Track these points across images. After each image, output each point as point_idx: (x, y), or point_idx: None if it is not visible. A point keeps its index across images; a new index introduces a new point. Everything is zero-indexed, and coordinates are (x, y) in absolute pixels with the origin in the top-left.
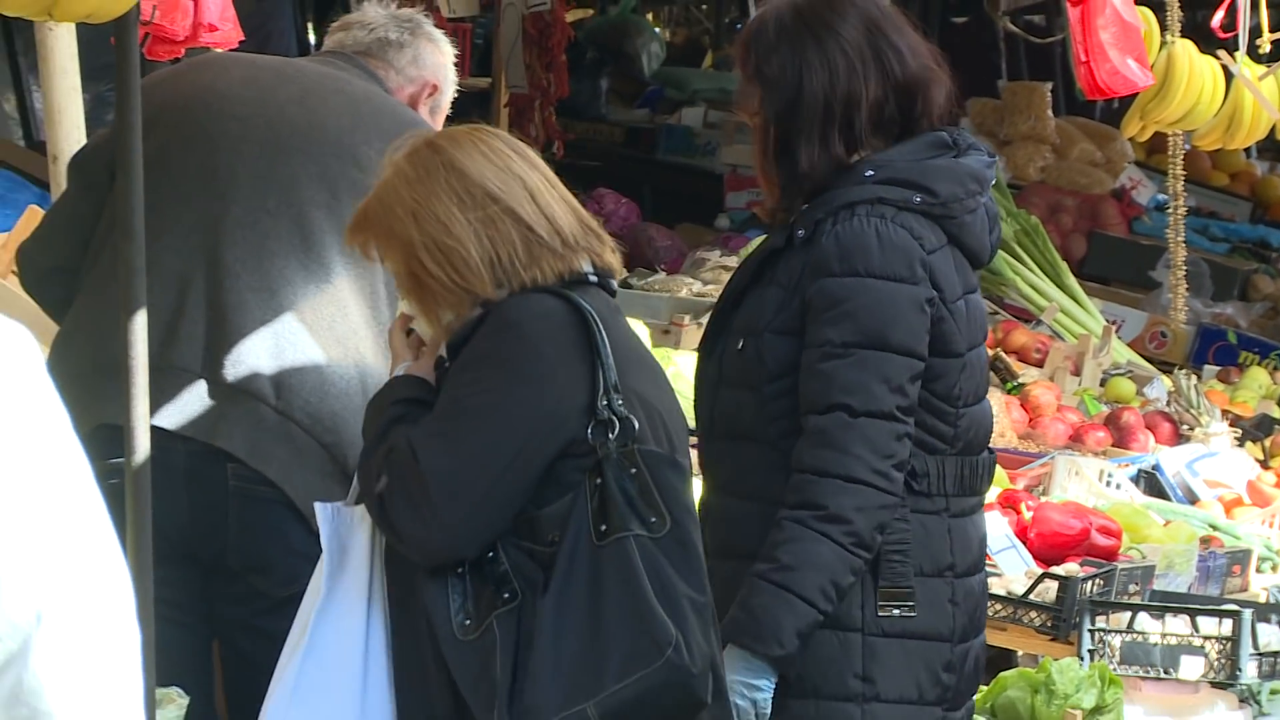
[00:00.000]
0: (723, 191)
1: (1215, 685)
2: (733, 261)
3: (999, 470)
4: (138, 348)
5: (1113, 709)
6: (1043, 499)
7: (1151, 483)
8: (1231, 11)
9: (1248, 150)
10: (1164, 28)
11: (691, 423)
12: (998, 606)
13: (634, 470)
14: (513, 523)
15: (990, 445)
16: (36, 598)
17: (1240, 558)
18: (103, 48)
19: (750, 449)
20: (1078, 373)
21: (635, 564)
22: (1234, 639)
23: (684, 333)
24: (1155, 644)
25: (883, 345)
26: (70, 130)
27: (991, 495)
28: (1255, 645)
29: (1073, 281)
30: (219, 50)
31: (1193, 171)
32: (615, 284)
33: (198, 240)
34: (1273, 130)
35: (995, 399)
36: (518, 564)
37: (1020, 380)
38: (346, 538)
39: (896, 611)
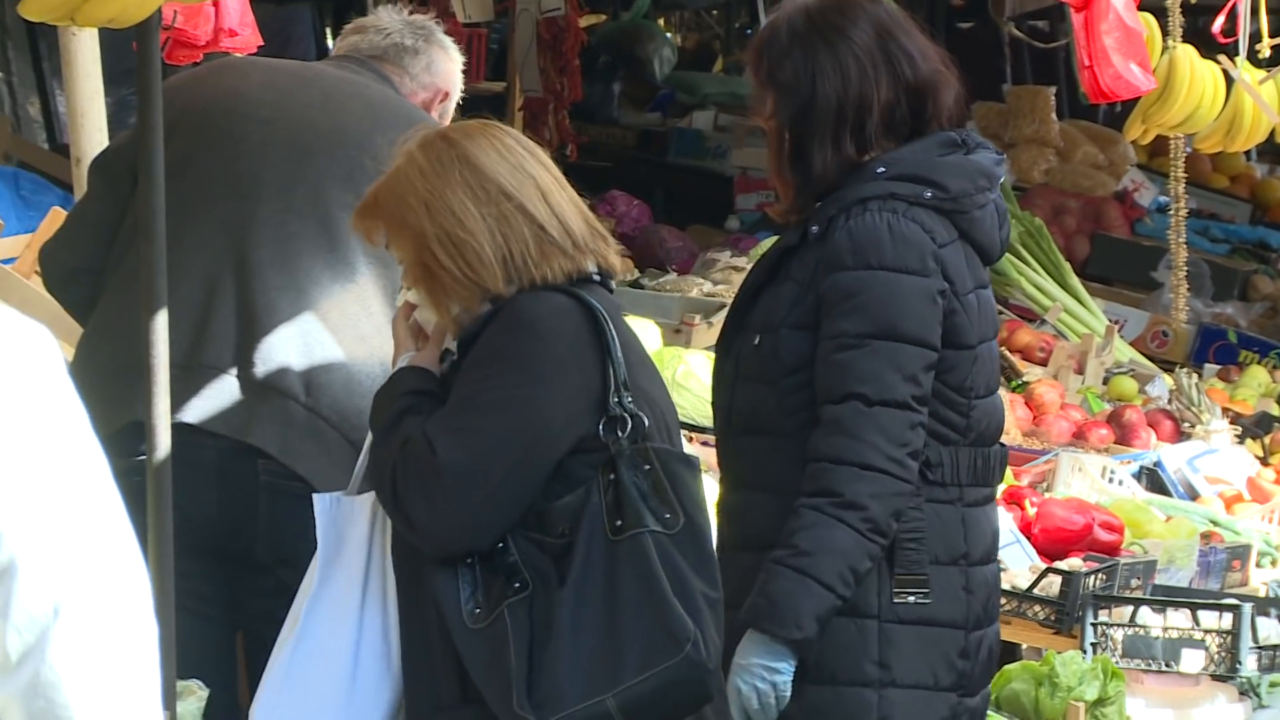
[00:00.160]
0: (732, 193)
1: (1216, 678)
2: (742, 262)
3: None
4: (159, 346)
5: (1115, 701)
6: (1046, 495)
7: (1153, 479)
8: (1232, 17)
9: (1248, 153)
10: (1166, 33)
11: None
12: (1002, 600)
13: (647, 467)
14: (521, 515)
15: (1000, 438)
16: (54, 592)
17: (1240, 553)
18: (125, 52)
19: (769, 443)
20: (1081, 371)
21: (652, 560)
22: (1234, 633)
23: (694, 332)
24: (1157, 637)
25: (896, 336)
26: (93, 133)
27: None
28: (1255, 639)
29: (1076, 282)
30: (237, 55)
31: (1194, 174)
32: (614, 284)
33: (225, 241)
34: (1272, 133)
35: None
36: (527, 555)
37: (1024, 379)
38: (345, 528)
39: (911, 598)
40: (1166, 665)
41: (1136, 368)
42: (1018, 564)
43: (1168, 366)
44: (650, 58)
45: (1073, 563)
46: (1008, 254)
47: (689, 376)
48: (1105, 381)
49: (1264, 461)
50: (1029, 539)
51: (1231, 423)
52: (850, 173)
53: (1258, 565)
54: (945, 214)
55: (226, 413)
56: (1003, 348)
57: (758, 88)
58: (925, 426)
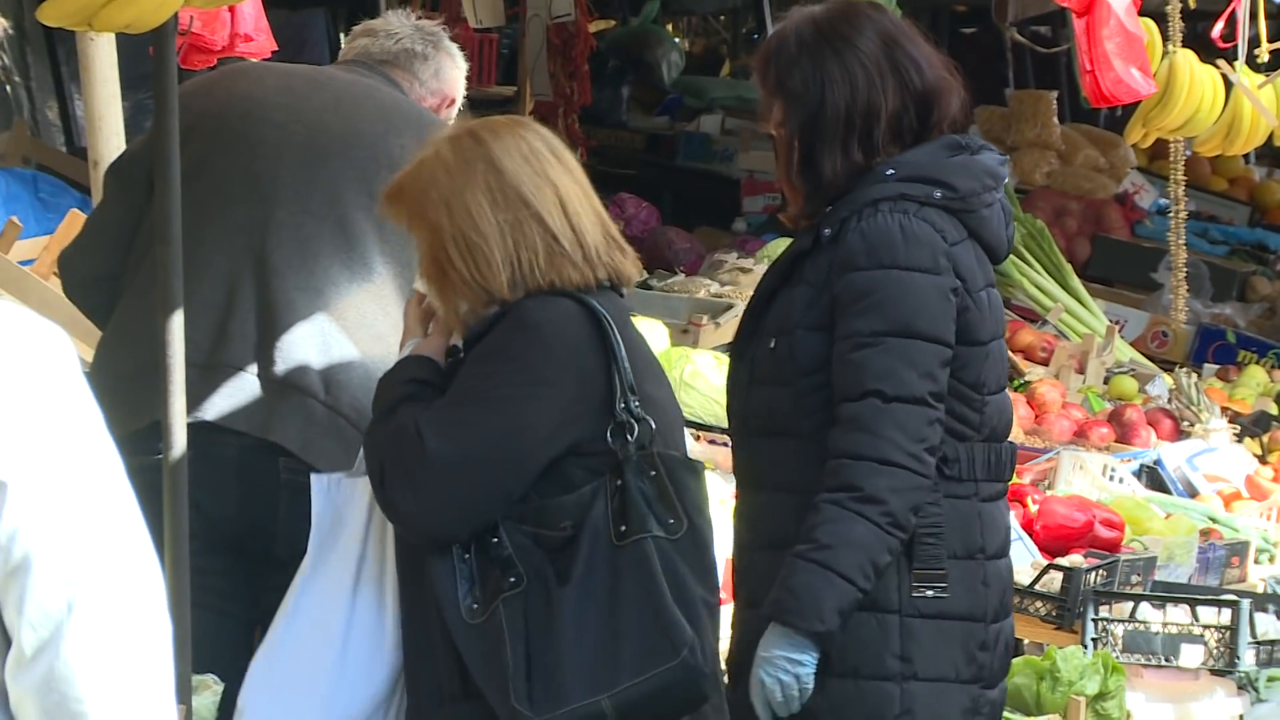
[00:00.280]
0: (739, 196)
1: (1214, 673)
2: (749, 263)
3: None
4: (174, 346)
5: (1115, 695)
6: (1048, 493)
7: (1153, 477)
8: (1231, 22)
9: (1246, 156)
10: (1166, 38)
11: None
12: None
13: (653, 473)
14: (518, 509)
15: (1009, 434)
16: (68, 588)
17: (1239, 549)
18: (141, 57)
19: (787, 444)
20: (1082, 371)
21: (654, 565)
22: (1232, 628)
23: (702, 332)
24: (1156, 633)
25: (911, 333)
26: (110, 136)
27: None
28: (1253, 634)
29: (1077, 283)
30: (251, 60)
31: (1193, 177)
32: (625, 291)
33: (243, 243)
34: (1271, 137)
35: None
36: (522, 549)
37: (1026, 378)
38: (343, 509)
39: (930, 592)
40: (1166, 660)
41: (1137, 367)
42: (1020, 560)
43: (1167, 366)
44: (659, 62)
45: (1074, 559)
46: (1010, 255)
47: (696, 376)
48: (1106, 381)
49: (1262, 460)
50: (1031, 536)
51: (1230, 421)
52: (859, 176)
53: (1256, 562)
54: (954, 213)
55: (247, 411)
56: None
57: (766, 96)
58: (942, 422)
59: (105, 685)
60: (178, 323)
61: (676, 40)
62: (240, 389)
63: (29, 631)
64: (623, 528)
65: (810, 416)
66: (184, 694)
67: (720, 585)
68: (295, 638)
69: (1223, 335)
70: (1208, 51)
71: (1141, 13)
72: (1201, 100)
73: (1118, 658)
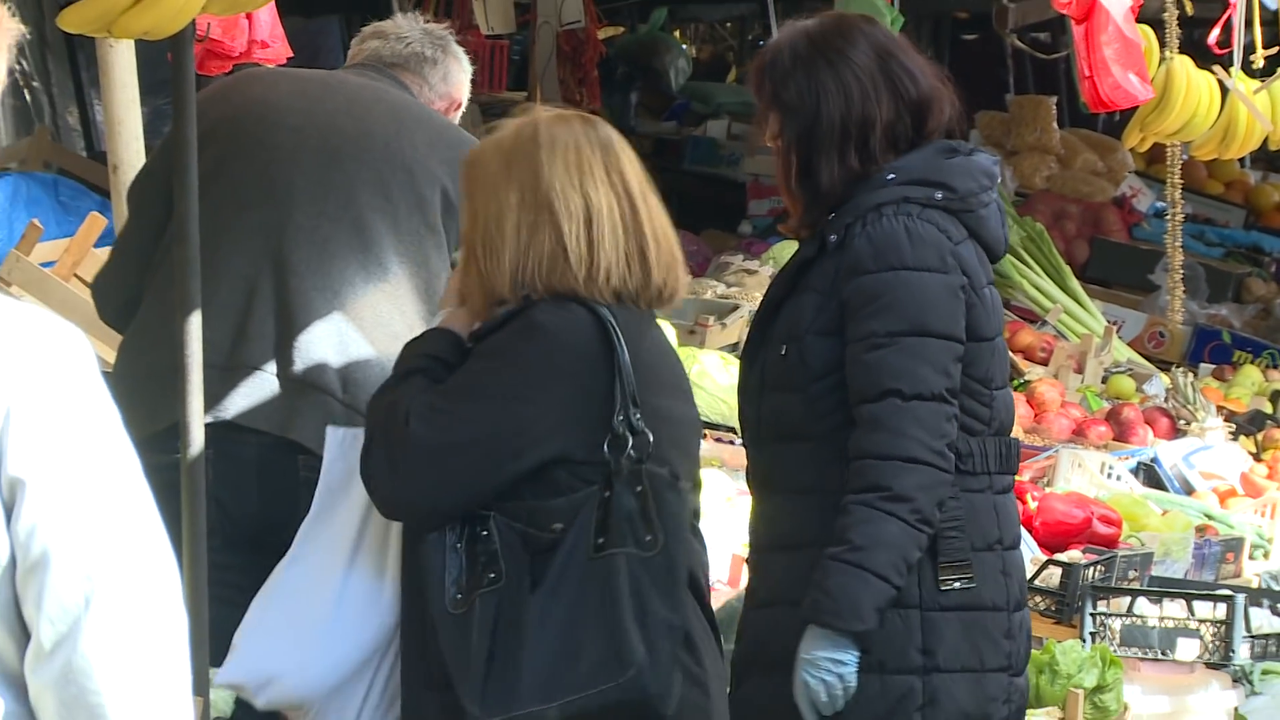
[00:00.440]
0: (745, 199)
1: (1210, 666)
2: (755, 265)
3: None
4: (192, 346)
5: (1113, 688)
6: (1047, 490)
7: (1150, 474)
8: (1227, 29)
9: (1242, 160)
10: (1163, 44)
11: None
12: None
13: (639, 489)
14: (511, 507)
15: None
16: (85, 583)
17: (1234, 545)
18: (160, 63)
19: (801, 447)
20: (1080, 370)
21: (620, 581)
22: (1228, 622)
23: (709, 333)
24: (1153, 627)
25: (924, 331)
26: (129, 141)
27: None
28: (1248, 628)
29: (1076, 284)
30: (265, 65)
31: (1190, 180)
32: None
33: (261, 245)
34: (1265, 141)
35: None
36: (509, 546)
37: (1026, 378)
38: (355, 465)
39: (958, 584)
40: (1162, 654)
41: (1134, 367)
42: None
43: (1164, 366)
44: (666, 69)
45: (1072, 555)
46: (1010, 257)
47: (703, 375)
48: (1104, 380)
49: (1257, 457)
50: (1030, 532)
51: (1226, 420)
52: (857, 184)
53: (1250, 557)
54: (955, 214)
55: (267, 410)
56: None
57: (762, 109)
58: (957, 418)
59: (122, 678)
60: (195, 323)
61: (684, 47)
62: (260, 388)
63: (47, 626)
64: (600, 540)
65: (823, 420)
66: (201, 687)
67: (719, 581)
68: (294, 583)
69: (1218, 335)
70: (1204, 58)
71: (1139, 20)
72: (1198, 105)
73: (1115, 651)
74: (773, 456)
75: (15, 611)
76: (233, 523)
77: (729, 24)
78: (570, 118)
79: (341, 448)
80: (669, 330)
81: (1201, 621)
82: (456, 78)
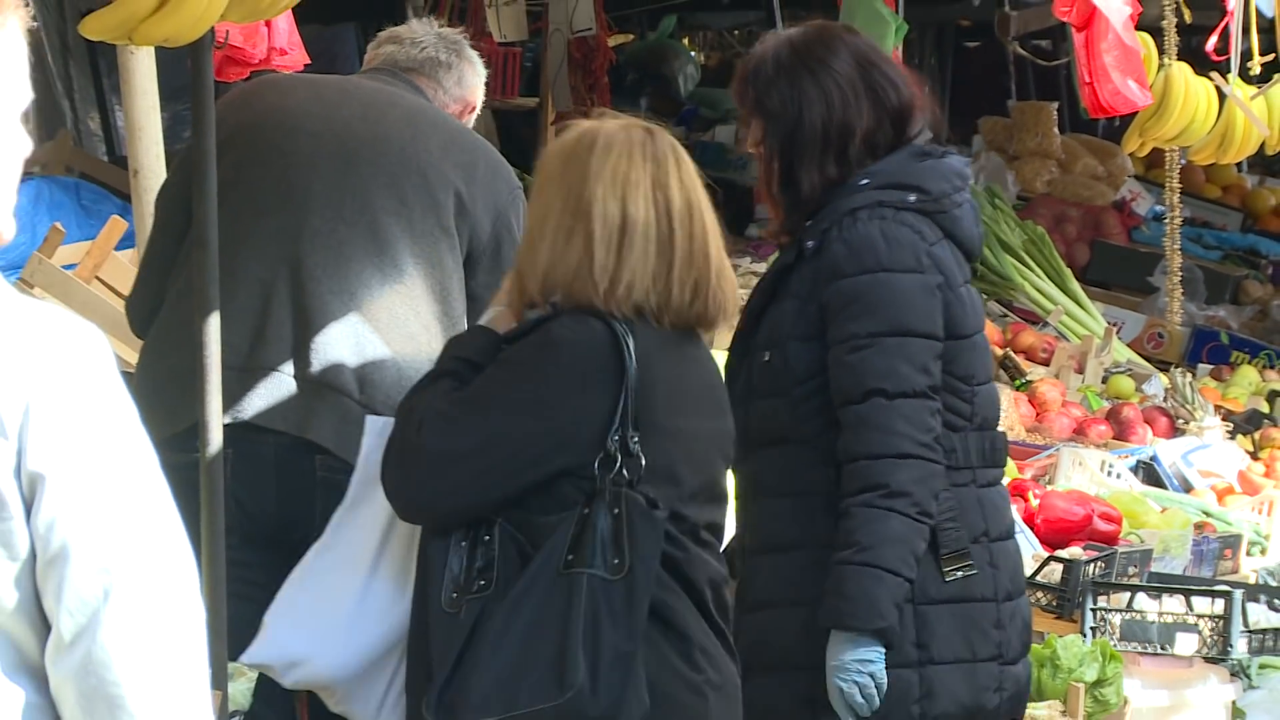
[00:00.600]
0: (752, 203)
1: (1208, 660)
2: (762, 268)
3: (1008, 461)
4: (210, 348)
5: (1113, 682)
6: (1048, 487)
7: (1149, 473)
8: (1224, 36)
9: (1239, 164)
10: (1162, 51)
11: None
12: None
13: (615, 511)
14: (515, 518)
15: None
16: (104, 576)
17: (1231, 542)
18: (180, 70)
19: (788, 451)
20: (1081, 371)
21: (578, 602)
22: (1225, 617)
23: (717, 333)
24: (1153, 622)
25: (904, 331)
26: (149, 146)
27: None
28: (1245, 623)
29: (1076, 286)
30: (281, 72)
31: (1188, 184)
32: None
33: (278, 250)
34: (1262, 146)
35: (1004, 395)
36: (507, 557)
37: (1028, 378)
38: None
39: (960, 574)
40: (1162, 648)
41: (1134, 367)
42: (1021, 552)
43: (1163, 366)
44: (675, 75)
45: (1073, 551)
46: (1012, 259)
47: None
48: (1104, 380)
49: (1254, 456)
50: (1032, 529)
51: (1223, 419)
52: (835, 189)
53: (1248, 554)
54: (929, 215)
55: (285, 410)
56: (1007, 348)
57: (745, 116)
58: (940, 413)
59: (141, 669)
60: (214, 325)
61: (692, 54)
62: (277, 389)
63: (67, 618)
64: (570, 557)
65: (808, 422)
66: (220, 680)
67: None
68: (325, 567)
69: (1216, 337)
70: (1202, 64)
71: (1139, 27)
72: (1196, 111)
73: (1115, 646)
74: (760, 461)
75: (36, 604)
76: (251, 520)
77: (736, 32)
78: (633, 128)
79: (380, 437)
80: None
81: (1200, 617)
82: (470, 81)
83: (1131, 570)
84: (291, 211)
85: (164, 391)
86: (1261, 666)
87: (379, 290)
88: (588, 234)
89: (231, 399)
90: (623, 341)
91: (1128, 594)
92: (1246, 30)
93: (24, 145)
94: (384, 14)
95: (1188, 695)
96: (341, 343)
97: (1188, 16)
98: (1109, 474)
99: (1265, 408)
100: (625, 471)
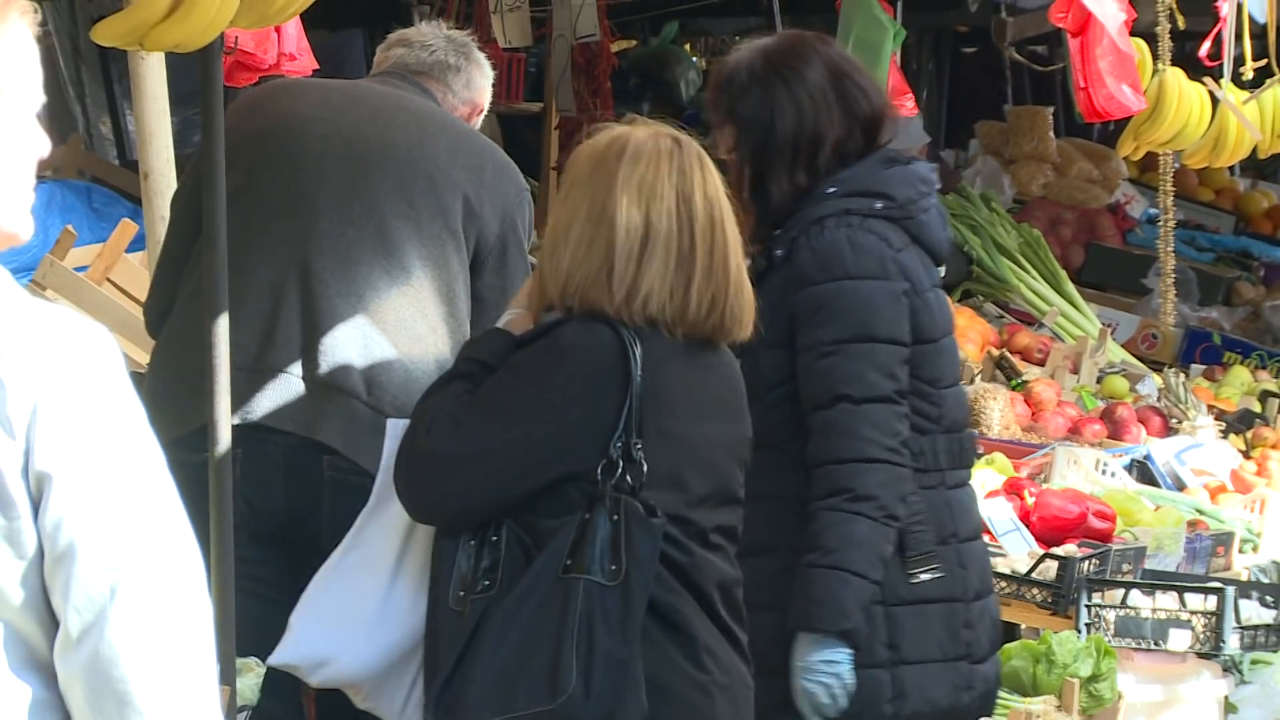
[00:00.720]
0: None
1: (1201, 656)
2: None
3: (1004, 460)
4: (219, 348)
5: (1107, 677)
6: (1044, 486)
7: (1143, 471)
8: (1217, 42)
9: (1231, 168)
10: (1156, 57)
11: None
12: (1003, 584)
13: (615, 517)
14: (523, 520)
15: (971, 428)
16: (110, 574)
17: (1224, 539)
18: (190, 75)
19: (759, 456)
20: (1076, 371)
21: (574, 607)
22: (1218, 614)
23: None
24: (1146, 618)
25: (870, 337)
26: (160, 150)
27: (997, 483)
28: (1237, 619)
29: (1071, 288)
30: (290, 76)
31: (1181, 188)
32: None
33: (288, 254)
34: (1254, 150)
35: (1001, 395)
36: (513, 556)
37: (1024, 378)
38: None
39: (926, 576)
40: (1155, 644)
41: (1128, 368)
42: (1017, 550)
43: (1157, 366)
44: (677, 80)
45: (1068, 549)
46: (1007, 261)
47: None
48: (1099, 380)
49: (1246, 455)
50: (1028, 527)
51: (1216, 419)
52: (803, 198)
53: (1240, 551)
54: (895, 221)
55: (293, 411)
56: (1004, 349)
57: (718, 123)
58: (907, 417)
59: (148, 665)
60: (223, 326)
61: (694, 60)
62: (286, 391)
63: (74, 615)
64: (569, 561)
65: (779, 427)
66: (228, 675)
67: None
68: (350, 568)
69: (1209, 337)
70: (1195, 70)
71: (1133, 33)
72: (1189, 115)
73: (1110, 642)
74: None
75: (44, 601)
76: (260, 519)
77: (737, 37)
78: (662, 136)
79: (400, 440)
80: None
81: (1193, 613)
82: (479, 84)
83: (1126, 567)
84: (301, 215)
85: (175, 392)
86: (1253, 662)
87: (386, 293)
88: (609, 243)
89: (241, 400)
90: (630, 348)
91: (1122, 591)
92: (1239, 36)
93: (42, 145)
94: (390, 20)
95: (1181, 690)
96: (349, 345)
97: (1181, 23)
98: (1104, 472)
99: (1257, 407)
100: (628, 478)
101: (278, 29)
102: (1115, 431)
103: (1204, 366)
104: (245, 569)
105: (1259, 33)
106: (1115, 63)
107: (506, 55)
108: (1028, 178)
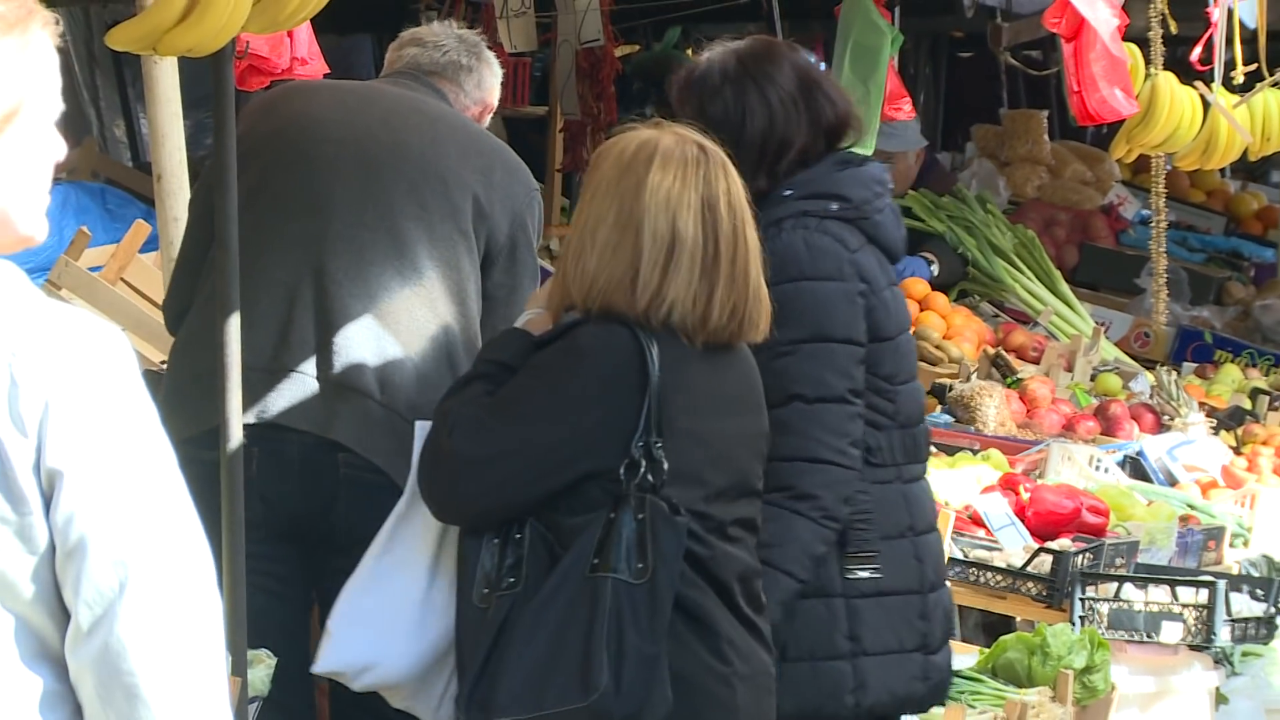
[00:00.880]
0: None
1: (1193, 648)
2: None
3: (1000, 455)
4: (231, 347)
5: (1101, 669)
6: (1039, 481)
7: (1136, 467)
8: (1209, 47)
9: (1222, 170)
10: (1148, 61)
11: None
12: (998, 577)
13: (640, 516)
14: (546, 518)
15: (924, 418)
16: (120, 569)
17: (1215, 534)
18: (202, 79)
19: None
20: (1070, 369)
21: (604, 605)
22: (1209, 607)
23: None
24: (1139, 611)
25: (826, 337)
26: (172, 152)
27: (993, 478)
28: (1228, 612)
29: (1065, 288)
30: (304, 79)
31: (1173, 189)
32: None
33: (302, 255)
34: (1245, 153)
35: (996, 392)
36: (537, 554)
37: (1019, 376)
38: None
39: (863, 574)
40: (1148, 636)
41: (1121, 366)
42: (1012, 544)
43: (1149, 365)
44: None
45: (1063, 543)
46: (1003, 262)
47: None
48: (1092, 378)
49: (1237, 451)
50: (1023, 521)
51: (1207, 416)
52: (761, 199)
53: (1231, 545)
54: (851, 222)
55: (308, 411)
56: (999, 347)
57: (684, 123)
58: (863, 416)
59: (157, 658)
60: (234, 324)
61: None
62: (300, 390)
63: (84, 609)
64: (596, 560)
65: None
66: (239, 667)
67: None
68: (386, 570)
69: (1200, 336)
70: (1187, 74)
71: (1126, 38)
72: (1181, 119)
73: (1103, 634)
74: None
75: (56, 595)
76: (275, 517)
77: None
78: (688, 143)
79: None
80: None
81: (1185, 606)
82: (489, 83)
83: (1119, 561)
84: (314, 217)
85: (190, 391)
86: (1244, 654)
87: (399, 293)
88: (636, 249)
89: (256, 399)
90: (646, 349)
91: (1115, 584)
92: (1230, 41)
93: (59, 149)
94: (398, 25)
95: (1173, 682)
96: (363, 345)
97: (1173, 28)
98: (1097, 468)
99: (1247, 405)
100: (650, 476)
101: (289, 34)
102: (1109, 428)
103: (1195, 364)
104: (262, 565)
105: (1249, 38)
106: (1108, 67)
107: (512, 60)
108: (1023, 180)
